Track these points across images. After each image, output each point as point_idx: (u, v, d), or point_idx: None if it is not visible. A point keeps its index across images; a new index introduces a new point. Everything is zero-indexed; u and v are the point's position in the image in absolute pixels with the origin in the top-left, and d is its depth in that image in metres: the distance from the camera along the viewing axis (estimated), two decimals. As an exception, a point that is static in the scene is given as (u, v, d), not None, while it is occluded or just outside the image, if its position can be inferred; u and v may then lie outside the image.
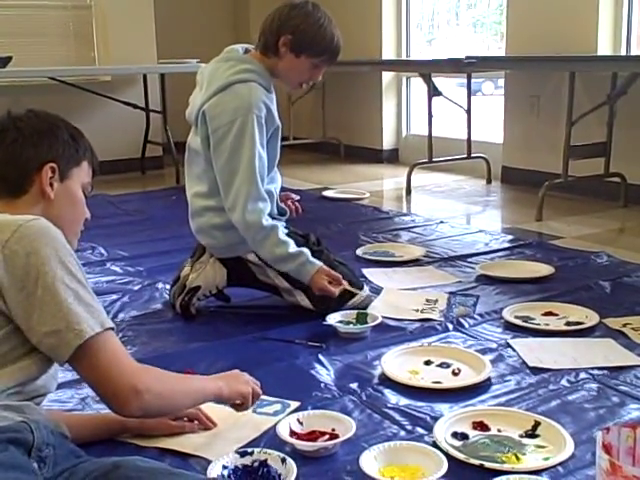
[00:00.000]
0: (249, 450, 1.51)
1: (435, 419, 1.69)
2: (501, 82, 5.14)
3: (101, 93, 5.29)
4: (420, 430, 1.67)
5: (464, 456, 1.52)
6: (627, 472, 1.16)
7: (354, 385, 1.90)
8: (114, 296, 2.64)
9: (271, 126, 2.36)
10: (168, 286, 2.63)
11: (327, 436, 1.60)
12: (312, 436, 1.61)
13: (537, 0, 4.57)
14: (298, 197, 2.67)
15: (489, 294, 2.64)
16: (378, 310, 2.40)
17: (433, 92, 4.79)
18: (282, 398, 1.82)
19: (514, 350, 2.12)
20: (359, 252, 3.16)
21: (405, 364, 2.01)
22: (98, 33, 5.55)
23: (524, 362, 2.03)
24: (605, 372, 1.95)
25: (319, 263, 2.34)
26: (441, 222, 3.79)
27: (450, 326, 2.31)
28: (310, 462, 1.54)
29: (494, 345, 2.16)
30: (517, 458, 1.54)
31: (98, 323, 1.28)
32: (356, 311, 2.35)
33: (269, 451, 1.50)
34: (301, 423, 1.64)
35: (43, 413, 1.31)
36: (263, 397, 1.81)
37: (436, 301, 2.54)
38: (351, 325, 2.27)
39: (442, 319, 2.37)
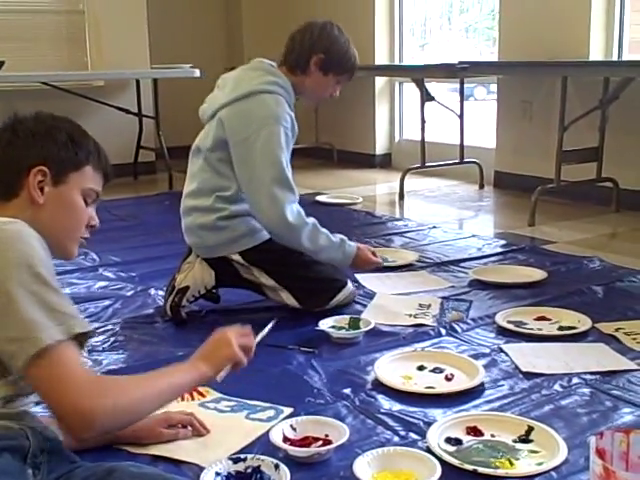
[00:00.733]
0: (242, 456, 1.51)
1: (428, 424, 1.69)
2: (494, 87, 5.15)
3: (94, 98, 5.28)
4: (413, 435, 1.67)
5: (458, 461, 1.52)
6: (620, 477, 1.16)
7: (347, 390, 1.90)
8: (106, 302, 2.63)
9: (292, 140, 2.41)
10: (161, 292, 2.62)
11: (320, 442, 1.60)
12: (305, 442, 1.60)
13: (529, 5, 4.59)
14: None
15: (482, 299, 2.64)
16: (371, 315, 2.40)
17: (426, 97, 4.80)
18: (275, 404, 1.82)
19: (507, 355, 2.12)
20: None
21: (398, 369, 2.01)
22: (91, 38, 5.55)
23: (517, 367, 2.03)
24: (598, 377, 1.96)
25: (354, 243, 2.46)
26: (434, 227, 3.80)
27: (443, 331, 2.31)
28: (303, 468, 1.53)
29: (487, 350, 2.17)
30: (510, 463, 1.54)
31: (61, 331, 1.19)
32: (349, 316, 2.35)
33: (262, 457, 1.50)
34: (294, 429, 1.64)
35: (39, 419, 1.31)
36: (256, 403, 1.82)
37: (429, 306, 2.54)
38: (344, 330, 2.27)
39: (435, 324, 2.37)
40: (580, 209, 4.16)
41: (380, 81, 5.92)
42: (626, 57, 4.32)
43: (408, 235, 3.64)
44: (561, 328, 2.32)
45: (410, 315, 2.45)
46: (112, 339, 2.29)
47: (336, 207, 4.37)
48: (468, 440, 1.63)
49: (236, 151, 2.35)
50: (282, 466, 1.47)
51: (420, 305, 2.55)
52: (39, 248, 1.25)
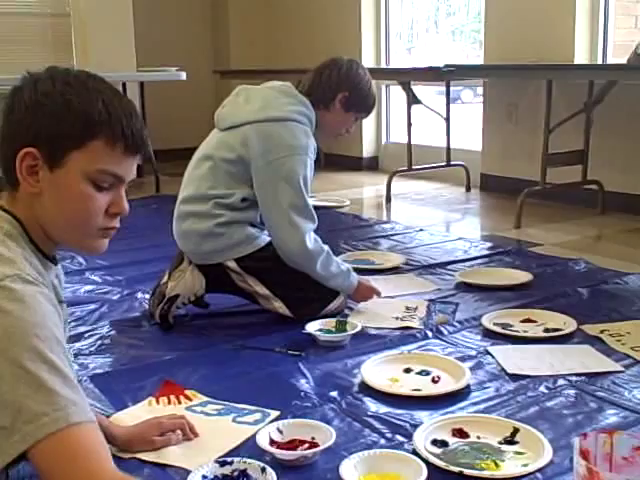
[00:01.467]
0: (229, 460, 1.51)
1: (415, 427, 1.69)
2: (480, 90, 5.17)
3: (80, 101, 5.26)
4: (400, 438, 1.67)
5: (443, 463, 1.53)
6: (604, 478, 1.17)
7: (334, 393, 1.90)
8: (93, 306, 2.62)
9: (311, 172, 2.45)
10: (147, 295, 2.62)
11: (307, 445, 1.60)
12: (292, 445, 1.60)
13: (514, 9, 4.62)
14: None
15: (468, 301, 2.65)
16: (358, 318, 2.41)
17: (412, 100, 4.82)
18: (262, 407, 1.82)
19: (493, 357, 2.13)
20: (339, 260, 3.15)
21: (385, 372, 2.01)
22: (77, 41, 5.54)
23: (503, 369, 2.04)
24: (583, 378, 1.97)
25: (356, 275, 2.51)
26: (421, 230, 3.81)
27: (430, 333, 2.32)
28: (290, 471, 1.53)
29: (473, 352, 2.17)
30: (496, 465, 1.55)
31: (58, 418, 1.00)
32: (335, 319, 2.35)
33: (249, 460, 1.50)
34: (281, 432, 1.64)
35: None
36: (243, 406, 1.82)
37: (416, 309, 2.55)
38: (331, 333, 2.27)
39: (422, 327, 2.37)
40: (566, 211, 4.18)
41: (367, 84, 5.92)
42: (610, 60, 4.35)
43: (395, 238, 3.65)
44: (547, 330, 2.33)
45: (397, 318, 2.45)
46: (99, 343, 2.28)
47: (323, 210, 4.36)
48: (454, 442, 1.64)
49: (259, 173, 2.36)
50: (268, 469, 1.47)
51: (407, 308, 2.56)
52: (47, 314, 1.06)
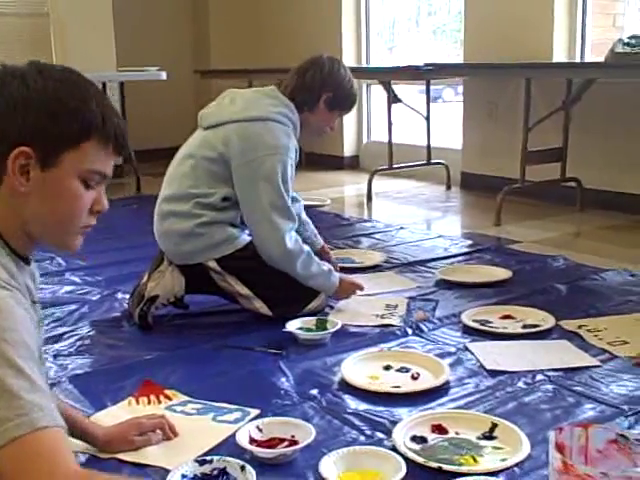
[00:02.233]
0: (208, 458, 1.51)
1: (394, 423, 1.70)
2: (461, 89, 5.20)
3: (59, 101, 5.23)
4: (379, 435, 1.68)
5: (422, 459, 1.53)
6: (579, 471, 1.18)
7: (314, 391, 1.90)
8: (73, 306, 2.61)
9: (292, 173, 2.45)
10: (127, 296, 2.61)
11: (286, 443, 1.60)
12: (272, 443, 1.60)
13: (494, 8, 4.64)
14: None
15: (448, 298, 2.66)
16: (338, 316, 2.42)
17: (393, 99, 4.83)
18: (242, 406, 1.82)
19: (472, 353, 2.14)
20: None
21: (365, 369, 2.02)
22: (56, 41, 5.50)
23: (482, 365, 2.06)
24: (561, 373, 1.99)
25: (337, 274, 2.51)
26: (401, 228, 3.82)
27: (409, 331, 2.33)
28: (269, 469, 1.54)
29: (453, 349, 2.19)
30: (474, 460, 1.56)
31: (21, 424, 0.99)
32: (316, 317, 2.35)
33: (228, 459, 1.50)
34: (261, 430, 1.64)
35: None
36: (223, 405, 1.82)
37: (396, 306, 2.56)
38: (311, 332, 2.28)
39: (402, 324, 2.38)
40: (545, 209, 4.21)
41: (347, 83, 5.93)
42: (588, 59, 4.38)
43: (376, 236, 3.66)
44: (525, 326, 2.35)
45: (377, 315, 2.46)
46: (78, 343, 2.27)
47: (304, 209, 4.37)
48: (433, 438, 1.65)
49: (239, 172, 2.36)
50: (248, 467, 1.47)
51: (387, 306, 2.57)
52: (18, 320, 1.05)
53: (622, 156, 4.09)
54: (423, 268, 3.06)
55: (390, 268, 3.08)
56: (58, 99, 1.11)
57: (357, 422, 1.74)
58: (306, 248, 2.43)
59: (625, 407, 1.78)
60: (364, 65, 5.91)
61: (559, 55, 4.37)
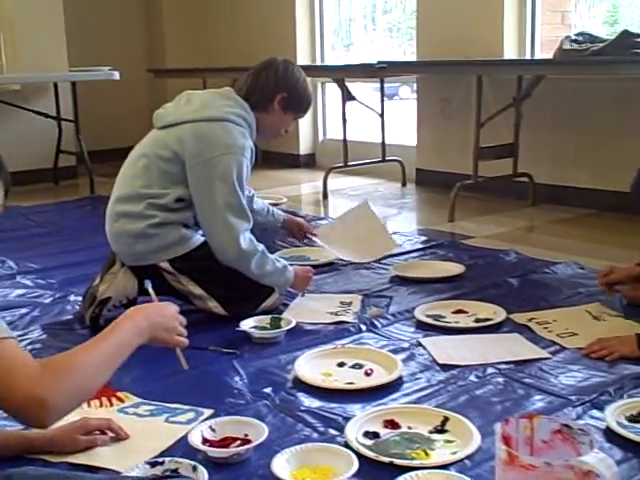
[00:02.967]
0: (160, 460, 1.51)
1: (347, 419, 1.71)
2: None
3: (10, 102, 5.15)
4: (332, 431, 1.69)
5: (374, 454, 1.55)
6: (523, 461, 1.21)
7: (268, 390, 1.91)
8: (24, 310, 2.57)
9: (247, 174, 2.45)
10: (80, 298, 2.58)
11: (239, 442, 1.60)
12: (225, 443, 1.61)
13: (445, 6, 4.68)
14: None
15: (402, 294, 2.69)
16: (292, 314, 2.42)
17: (347, 97, 4.85)
18: (195, 406, 1.82)
19: (425, 348, 2.16)
20: (275, 257, 3.16)
21: (318, 367, 2.03)
22: (5, 40, 5.40)
23: (434, 360, 2.08)
24: (511, 366, 2.02)
25: (292, 269, 2.52)
26: (357, 225, 3.83)
27: (363, 327, 2.34)
28: (222, 469, 1.54)
29: (406, 344, 2.21)
30: (426, 454, 1.58)
31: None
32: (270, 316, 2.36)
33: (180, 460, 1.50)
34: (214, 430, 1.64)
35: None
36: (176, 406, 1.82)
37: (350, 303, 2.58)
38: (265, 330, 2.28)
39: (356, 321, 2.40)
40: (498, 204, 4.27)
41: (302, 81, 5.93)
42: (538, 56, 4.45)
43: (331, 234, 3.66)
44: (477, 320, 2.38)
45: (331, 313, 2.47)
46: (29, 347, 2.24)
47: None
48: (385, 433, 1.67)
49: (194, 172, 2.35)
50: (200, 467, 1.47)
51: (341, 303, 2.58)
52: None
53: (571, 151, 4.17)
54: (378, 265, 3.07)
55: (345, 265, 3.09)
56: None
57: (310, 419, 1.75)
58: (260, 247, 2.43)
59: (573, 397, 1.82)
60: (318, 63, 5.92)
61: (510, 52, 4.43)
